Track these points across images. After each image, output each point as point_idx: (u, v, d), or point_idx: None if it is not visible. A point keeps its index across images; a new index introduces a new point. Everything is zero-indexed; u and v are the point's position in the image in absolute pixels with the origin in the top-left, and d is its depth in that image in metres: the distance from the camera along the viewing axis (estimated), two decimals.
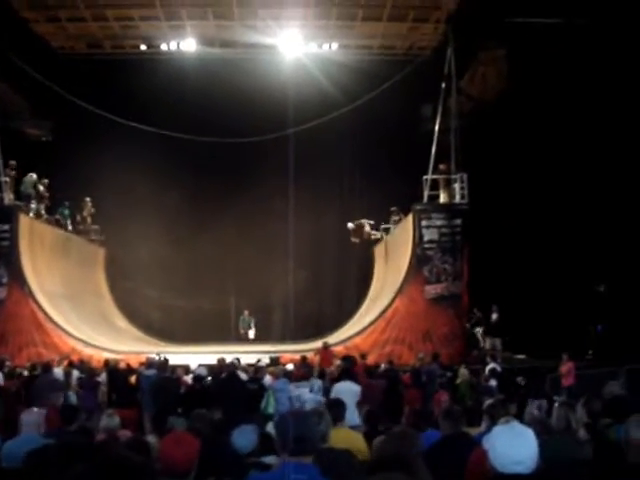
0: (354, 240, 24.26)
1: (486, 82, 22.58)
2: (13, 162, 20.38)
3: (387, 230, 24.37)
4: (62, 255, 22.80)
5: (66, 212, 23.65)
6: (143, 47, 24.52)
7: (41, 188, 21.62)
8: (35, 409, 6.50)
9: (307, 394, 9.95)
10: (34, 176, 21.30)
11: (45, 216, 22.04)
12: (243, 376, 12.40)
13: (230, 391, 10.47)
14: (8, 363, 14.54)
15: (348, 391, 9.78)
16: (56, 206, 23.20)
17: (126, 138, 22.96)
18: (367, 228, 24.05)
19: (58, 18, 22.63)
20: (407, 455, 3.25)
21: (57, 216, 23.09)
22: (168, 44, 24.01)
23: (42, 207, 21.74)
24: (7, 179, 19.94)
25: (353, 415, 9.13)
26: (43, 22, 22.78)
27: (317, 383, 11.13)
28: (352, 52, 24.30)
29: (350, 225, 24.21)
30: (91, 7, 22.03)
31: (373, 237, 24.33)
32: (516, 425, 3.10)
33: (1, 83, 21.33)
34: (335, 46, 24.07)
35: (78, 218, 24.47)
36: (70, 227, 23.81)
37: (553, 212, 21.11)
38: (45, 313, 19.26)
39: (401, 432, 4.44)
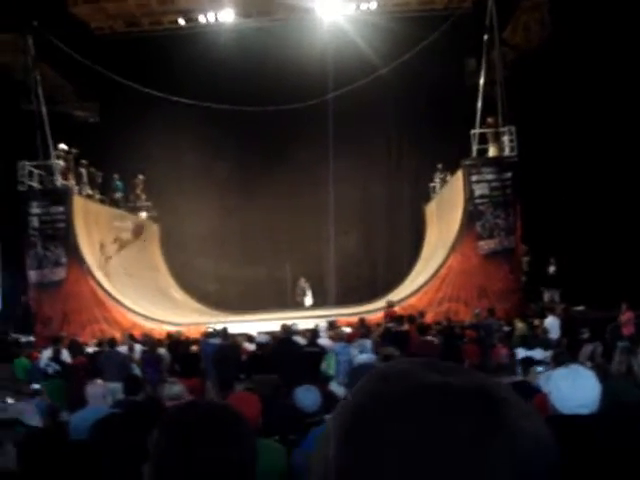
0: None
1: (529, 31, 22.10)
2: (68, 147, 20.71)
3: (433, 189, 24.19)
4: (117, 232, 23.18)
5: (118, 184, 23.87)
6: (181, 21, 24.62)
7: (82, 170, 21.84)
8: (99, 381, 6.63)
9: (358, 355, 10.05)
10: None
11: (98, 196, 22.41)
12: (301, 340, 12.51)
13: (285, 355, 10.58)
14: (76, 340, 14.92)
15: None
16: (108, 182, 23.51)
17: (171, 113, 23.19)
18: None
19: None
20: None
21: (113, 193, 23.36)
22: (206, 16, 24.05)
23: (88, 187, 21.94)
24: (60, 162, 20.26)
25: None
26: (81, 4, 23.00)
27: (367, 342, 11.22)
28: (390, 12, 23.97)
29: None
30: None
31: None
32: (578, 368, 3.08)
33: (46, 68, 21.61)
34: (373, 6, 23.77)
35: (131, 196, 24.84)
36: (123, 200, 24.08)
37: (606, 160, 20.62)
38: (105, 290, 19.68)
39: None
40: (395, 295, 22.08)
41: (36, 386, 8.44)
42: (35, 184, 19.90)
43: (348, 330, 13.95)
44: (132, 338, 14.19)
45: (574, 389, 2.89)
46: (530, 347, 9.90)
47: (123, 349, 13.08)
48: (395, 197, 26.82)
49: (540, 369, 6.26)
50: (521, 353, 9.66)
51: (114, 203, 23.50)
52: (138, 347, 13.77)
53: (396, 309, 17.66)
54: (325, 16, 23.50)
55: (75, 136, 22.31)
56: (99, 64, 21.55)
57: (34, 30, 20.05)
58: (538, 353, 9.36)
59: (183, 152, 24.77)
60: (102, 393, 6.16)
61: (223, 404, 1.87)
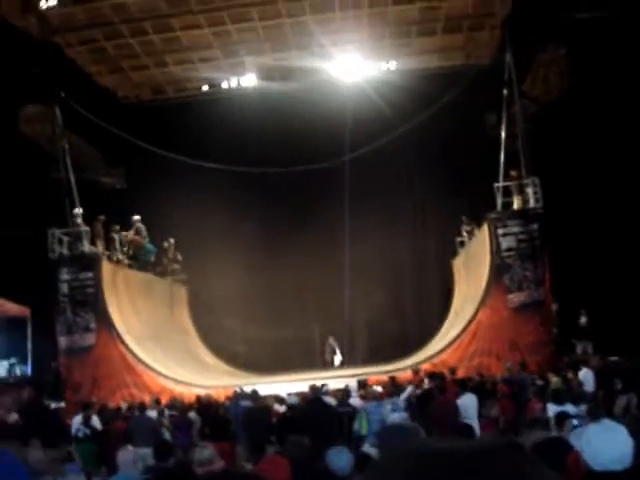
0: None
1: (548, 83, 22.24)
2: (102, 217, 21.10)
3: (462, 243, 24.14)
4: (146, 296, 23.33)
5: (149, 247, 23.93)
6: (205, 87, 25.17)
7: (115, 236, 22.15)
8: (130, 447, 6.61)
9: (390, 414, 9.99)
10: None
11: (126, 261, 22.62)
12: (331, 401, 12.40)
13: (316, 416, 10.47)
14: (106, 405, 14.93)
15: (471, 403, 10.55)
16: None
17: (196, 177, 23.52)
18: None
19: (121, 68, 23.47)
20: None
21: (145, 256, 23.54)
22: (229, 81, 24.61)
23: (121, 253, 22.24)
24: (87, 228, 20.54)
25: (475, 425, 9.28)
26: (107, 74, 23.68)
27: (399, 401, 11.12)
28: (410, 71, 24.32)
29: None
30: (151, 54, 22.80)
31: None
32: (609, 422, 3.02)
33: (74, 137, 22.12)
34: (393, 65, 24.14)
35: (164, 260, 25.05)
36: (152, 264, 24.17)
37: (632, 208, 20.49)
38: (134, 355, 19.69)
39: (493, 435, 4.36)
40: (426, 351, 21.89)
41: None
42: (65, 251, 20.17)
43: (379, 389, 13.81)
44: (158, 403, 14.09)
45: (606, 445, 2.83)
46: (561, 402, 9.75)
47: (153, 414, 13.03)
48: (422, 253, 26.78)
49: (575, 422, 6.13)
50: (553, 408, 9.50)
51: (143, 267, 23.65)
52: (167, 411, 13.71)
53: (426, 366, 17.47)
54: (346, 77, 23.88)
55: (103, 202, 22.69)
56: (125, 131, 21.98)
57: (61, 101, 20.60)
58: (570, 407, 9.21)
59: (209, 214, 25.05)
60: (133, 459, 6.13)
61: (253, 474, 1.86)
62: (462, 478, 0.77)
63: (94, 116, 21.07)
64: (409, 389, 13.33)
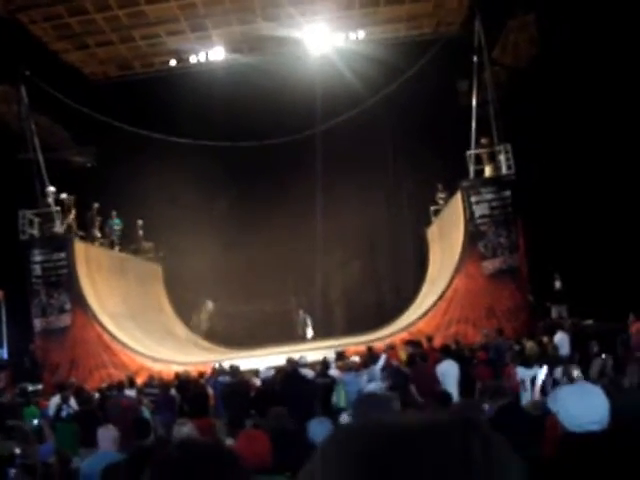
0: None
1: (518, 49, 22.22)
2: (72, 197, 20.90)
3: (436, 212, 24.21)
4: (120, 276, 23.19)
5: (117, 221, 23.72)
6: (173, 62, 24.83)
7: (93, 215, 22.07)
8: (110, 425, 6.59)
9: (367, 384, 10.06)
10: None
11: (99, 239, 22.44)
12: (309, 373, 12.43)
13: (293, 388, 10.50)
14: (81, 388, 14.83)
15: (451, 369, 10.68)
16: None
17: (167, 153, 23.28)
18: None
19: (87, 45, 23.06)
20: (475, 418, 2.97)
21: (111, 231, 23.35)
22: (197, 55, 24.27)
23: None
24: (58, 209, 20.31)
25: (454, 392, 9.53)
26: (73, 51, 23.28)
27: (376, 370, 11.19)
28: (379, 40, 24.15)
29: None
30: (117, 30, 22.42)
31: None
32: (583, 384, 3.03)
33: (42, 116, 21.78)
34: (362, 35, 23.96)
35: (137, 238, 24.92)
36: (118, 240, 23.89)
37: (604, 171, 20.62)
38: (111, 334, 19.61)
39: (465, 402, 4.38)
40: (403, 320, 22.02)
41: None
42: (36, 232, 19.93)
43: (357, 360, 13.86)
44: (132, 381, 13.97)
45: (582, 406, 2.84)
46: (529, 366, 9.95)
47: (132, 393, 12.98)
48: (396, 222, 26.84)
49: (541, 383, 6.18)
50: (522, 372, 9.66)
51: (113, 244, 23.46)
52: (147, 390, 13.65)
53: (403, 335, 17.57)
54: (315, 48, 23.68)
55: (73, 181, 22.39)
56: (94, 109, 21.67)
57: (27, 80, 20.24)
58: (537, 370, 9.38)
59: (181, 191, 24.85)
60: (112, 437, 6.14)
61: (217, 443, 1.81)
62: (403, 457, 0.77)
63: (61, 94, 20.74)
64: (383, 358, 13.38)
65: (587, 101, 20.37)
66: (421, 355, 12.22)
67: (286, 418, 6.40)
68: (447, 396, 7.68)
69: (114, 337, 19.65)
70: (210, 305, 26.04)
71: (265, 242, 25.86)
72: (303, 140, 22.69)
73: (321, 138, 23.90)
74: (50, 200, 20.19)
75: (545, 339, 14.88)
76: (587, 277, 20.42)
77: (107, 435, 6.13)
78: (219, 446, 1.59)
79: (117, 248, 23.70)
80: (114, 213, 23.47)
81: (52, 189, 20.33)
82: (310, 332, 25.16)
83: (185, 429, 6.23)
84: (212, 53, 24.15)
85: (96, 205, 21.96)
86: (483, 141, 20.49)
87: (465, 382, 10.80)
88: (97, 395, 14.26)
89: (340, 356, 14.65)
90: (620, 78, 19.56)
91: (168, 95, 24.05)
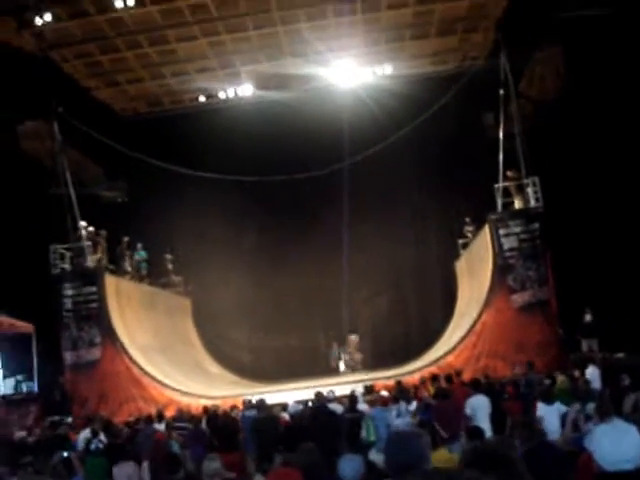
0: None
1: (545, 82, 22.24)
2: (103, 232, 21.17)
3: (464, 245, 24.12)
4: (150, 309, 23.33)
5: (142, 253, 23.82)
6: (202, 98, 25.20)
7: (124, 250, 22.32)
8: (130, 462, 6.59)
9: (394, 419, 9.98)
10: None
11: (129, 273, 22.63)
12: (338, 407, 12.36)
13: (321, 423, 10.43)
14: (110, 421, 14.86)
15: (483, 404, 10.46)
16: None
17: (197, 188, 23.56)
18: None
19: (117, 82, 23.51)
20: (506, 455, 2.78)
21: (136, 257, 23.50)
22: (226, 92, 24.63)
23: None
24: (89, 243, 20.55)
25: (486, 427, 9.35)
26: (104, 87, 23.75)
27: (403, 406, 11.09)
28: (405, 76, 24.30)
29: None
30: (147, 67, 22.87)
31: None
32: (618, 422, 3.01)
33: (74, 152, 22.13)
34: (388, 70, 24.15)
35: (163, 275, 25.09)
36: (144, 271, 23.99)
37: (632, 204, 20.44)
38: (140, 368, 19.66)
39: (498, 439, 4.35)
40: (431, 354, 21.85)
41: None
42: (67, 266, 20.18)
43: (386, 394, 13.76)
44: (161, 415, 13.95)
45: (616, 445, 2.82)
46: (550, 402, 9.87)
47: (161, 427, 12.98)
48: (424, 256, 26.81)
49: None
50: (542, 408, 9.60)
51: (142, 278, 23.65)
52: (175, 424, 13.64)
53: (432, 369, 17.40)
54: (341, 83, 23.91)
55: (104, 216, 22.68)
56: (124, 144, 21.99)
57: (59, 116, 20.62)
58: (559, 407, 9.29)
59: (211, 225, 25.13)
60: (128, 473, 6.15)
61: None
62: None
63: (93, 130, 21.09)
64: (414, 403, 13.22)
65: (614, 133, 20.29)
66: (443, 392, 12.03)
67: (316, 454, 6.38)
68: (479, 431, 7.61)
69: (143, 370, 19.70)
70: (354, 337, 25.95)
71: (292, 276, 25.95)
72: (330, 174, 22.79)
73: (348, 172, 23.98)
74: (82, 234, 20.45)
75: (577, 373, 14.69)
76: (617, 310, 20.15)
77: (122, 473, 6.15)
78: None
79: (147, 281, 23.88)
80: (139, 245, 23.65)
81: (83, 224, 20.60)
82: (342, 366, 25.13)
83: (214, 464, 6.23)
84: (241, 89, 24.49)
85: (126, 239, 22.21)
86: (510, 174, 20.43)
87: (496, 417, 10.67)
88: (126, 429, 14.32)
89: (369, 390, 14.56)
90: None
91: (197, 130, 24.40)
